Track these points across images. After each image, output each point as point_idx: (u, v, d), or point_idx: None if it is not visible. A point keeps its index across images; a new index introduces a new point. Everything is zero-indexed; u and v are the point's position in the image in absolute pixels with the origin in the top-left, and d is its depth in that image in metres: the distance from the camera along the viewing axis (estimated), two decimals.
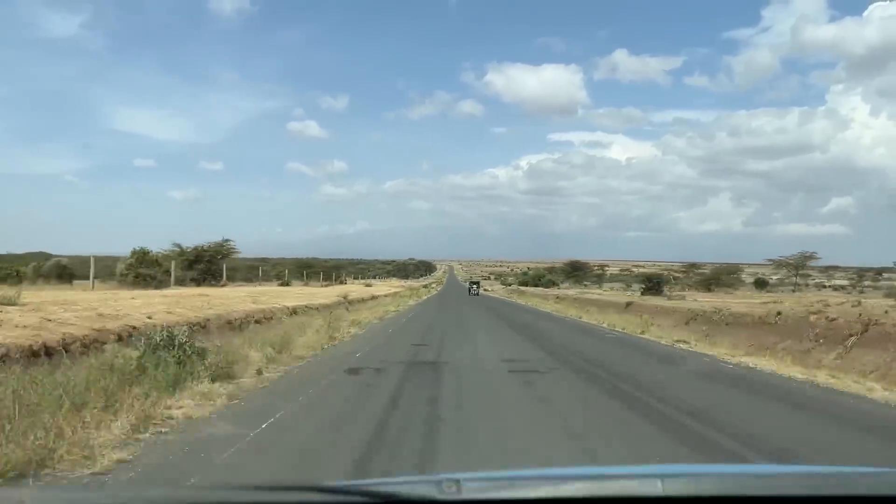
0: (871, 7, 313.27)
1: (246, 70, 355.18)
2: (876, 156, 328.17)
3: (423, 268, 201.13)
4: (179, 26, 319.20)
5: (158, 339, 8.24)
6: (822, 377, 11.08)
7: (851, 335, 12.39)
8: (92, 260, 24.89)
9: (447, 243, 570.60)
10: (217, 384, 8.21)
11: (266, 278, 56.46)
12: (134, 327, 9.91)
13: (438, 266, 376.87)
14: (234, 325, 14.31)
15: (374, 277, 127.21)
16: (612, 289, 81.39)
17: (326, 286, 53.40)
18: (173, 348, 8.17)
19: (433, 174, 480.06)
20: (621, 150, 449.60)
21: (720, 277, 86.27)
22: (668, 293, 48.43)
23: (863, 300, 18.38)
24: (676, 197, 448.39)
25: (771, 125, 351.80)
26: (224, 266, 41.42)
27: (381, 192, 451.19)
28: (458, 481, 1.47)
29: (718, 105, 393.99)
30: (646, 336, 20.01)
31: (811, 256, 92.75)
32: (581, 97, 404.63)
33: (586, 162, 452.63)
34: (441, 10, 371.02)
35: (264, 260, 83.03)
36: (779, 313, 15.69)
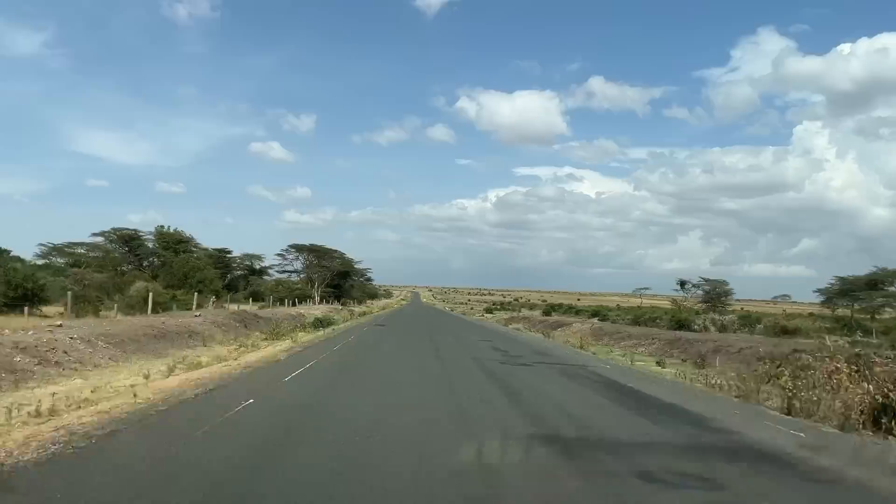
0: (839, 46, 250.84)
1: (212, 92, 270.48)
2: (847, 197, 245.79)
3: (338, 280, 76.18)
4: (145, 47, 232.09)
5: None
6: None
7: None
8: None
9: (416, 273, 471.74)
10: None
11: None
12: None
13: (397, 291, 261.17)
14: None
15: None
16: None
17: None
18: None
19: (400, 204, 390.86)
20: (592, 184, 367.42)
21: None
22: None
23: None
24: (647, 234, 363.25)
25: (744, 162, 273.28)
26: None
27: (347, 221, 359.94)
28: None
29: (691, 141, 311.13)
30: None
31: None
32: (557, 126, 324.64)
33: (557, 196, 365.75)
34: (416, 33, 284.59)
35: None
36: None
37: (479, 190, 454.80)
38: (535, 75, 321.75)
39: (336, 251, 72.13)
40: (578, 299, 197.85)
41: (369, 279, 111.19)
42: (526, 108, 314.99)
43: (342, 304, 64.82)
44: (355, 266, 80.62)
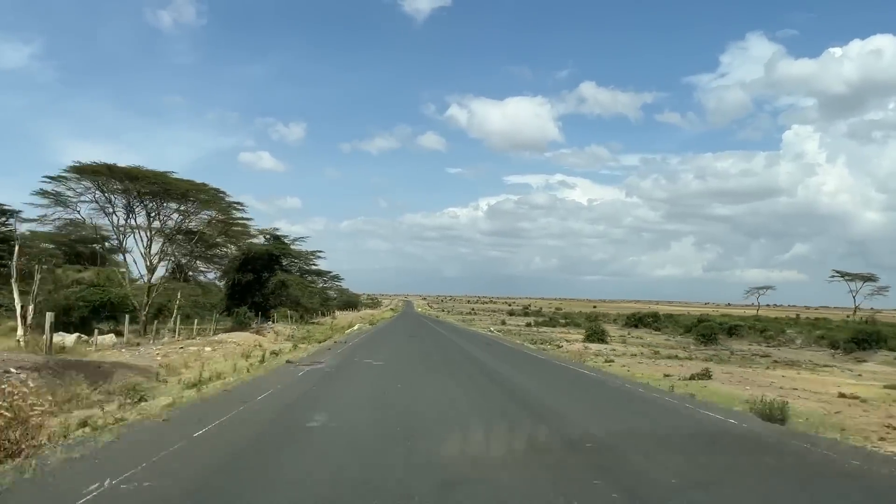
0: (830, 49, 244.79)
1: (200, 102, 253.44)
2: (839, 201, 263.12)
3: (250, 276, 34.97)
4: (133, 58, 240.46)
5: None
6: None
7: None
8: None
9: (408, 282, 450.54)
10: None
11: None
12: None
13: (388, 300, 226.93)
14: None
15: None
16: None
17: None
18: None
19: (392, 213, 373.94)
20: (583, 192, 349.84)
21: None
22: None
23: None
24: (639, 241, 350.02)
25: (736, 167, 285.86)
26: None
27: (338, 231, 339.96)
28: None
29: (683, 147, 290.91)
30: None
31: None
32: (549, 133, 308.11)
33: (549, 203, 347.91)
34: (406, 39, 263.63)
35: None
36: None
37: (471, 198, 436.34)
38: (526, 81, 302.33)
39: (212, 189, 29.17)
40: (595, 307, 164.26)
41: (335, 277, 73.93)
42: (517, 115, 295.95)
43: (259, 328, 29.20)
44: (291, 246, 41.50)
